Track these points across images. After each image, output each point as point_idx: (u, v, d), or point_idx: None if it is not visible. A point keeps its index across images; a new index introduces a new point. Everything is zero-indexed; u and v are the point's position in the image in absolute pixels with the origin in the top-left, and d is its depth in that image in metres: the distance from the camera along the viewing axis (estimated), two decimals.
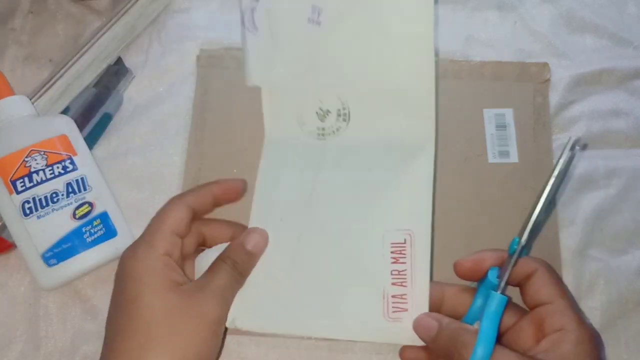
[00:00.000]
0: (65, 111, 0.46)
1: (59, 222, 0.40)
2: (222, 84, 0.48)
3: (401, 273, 0.37)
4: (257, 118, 0.47)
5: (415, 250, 0.37)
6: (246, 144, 0.46)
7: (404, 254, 0.37)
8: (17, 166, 0.40)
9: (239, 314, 0.37)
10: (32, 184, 0.40)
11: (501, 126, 0.46)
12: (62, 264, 0.40)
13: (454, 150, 0.45)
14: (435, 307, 0.37)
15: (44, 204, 0.40)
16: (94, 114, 0.46)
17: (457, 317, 0.35)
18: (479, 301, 0.35)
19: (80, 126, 0.44)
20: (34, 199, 0.40)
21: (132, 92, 0.49)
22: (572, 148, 0.33)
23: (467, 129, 0.46)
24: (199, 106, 0.47)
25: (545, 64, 0.48)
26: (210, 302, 0.34)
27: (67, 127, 0.43)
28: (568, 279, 0.42)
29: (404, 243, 0.37)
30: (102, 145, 0.47)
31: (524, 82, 0.48)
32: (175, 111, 0.48)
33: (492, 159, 0.45)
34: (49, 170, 0.41)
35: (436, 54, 0.40)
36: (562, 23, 0.51)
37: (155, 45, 0.50)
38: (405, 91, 0.40)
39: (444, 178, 0.44)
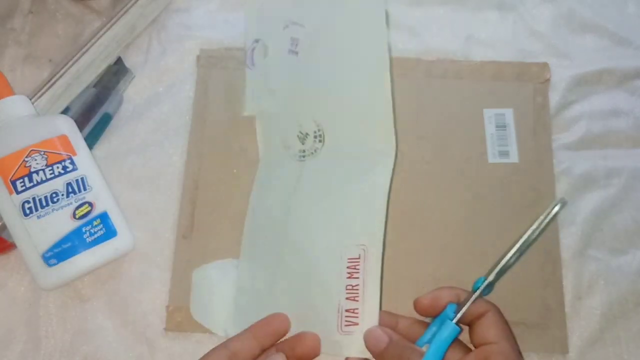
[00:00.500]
0: (65, 111, 0.46)
1: (59, 222, 0.40)
2: (222, 84, 0.48)
3: (354, 288, 0.38)
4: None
5: (367, 265, 0.38)
6: (246, 144, 0.46)
7: (358, 269, 0.38)
8: (17, 166, 0.40)
9: (230, 325, 0.40)
10: (32, 184, 0.40)
11: (501, 126, 0.46)
12: (62, 264, 0.40)
13: (454, 150, 0.45)
14: None
15: (44, 204, 0.40)
16: (94, 114, 0.46)
17: None
18: (433, 329, 0.36)
19: (80, 126, 0.44)
20: (34, 199, 0.40)
21: (132, 92, 0.49)
22: (556, 206, 0.36)
23: (467, 129, 0.46)
24: (199, 106, 0.47)
25: (546, 64, 0.48)
26: None
27: (67, 127, 0.43)
28: (568, 279, 0.42)
29: (358, 258, 0.39)
30: (102, 145, 0.47)
31: (524, 82, 0.48)
32: (175, 111, 0.48)
33: (492, 159, 0.45)
34: (49, 170, 0.41)
35: (392, 61, 0.42)
36: (563, 23, 0.51)
37: (155, 45, 0.50)
38: (366, 107, 0.42)
39: (444, 178, 0.45)
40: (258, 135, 0.45)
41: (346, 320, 0.37)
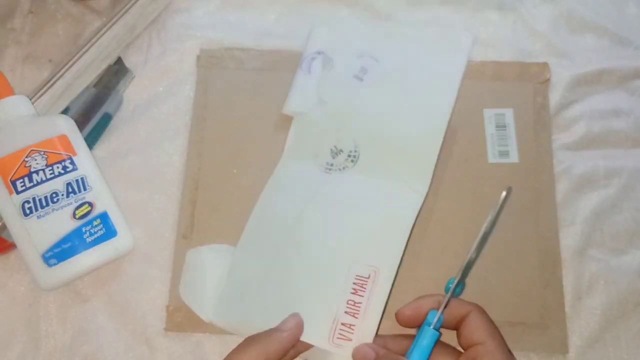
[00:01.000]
0: (65, 111, 0.46)
1: (59, 222, 0.40)
2: (222, 84, 0.48)
3: (356, 304, 0.39)
4: (257, 118, 0.47)
5: (376, 287, 0.39)
6: (246, 144, 0.46)
7: (365, 288, 0.39)
8: (17, 166, 0.40)
9: (212, 312, 0.41)
10: (32, 184, 0.40)
11: (501, 126, 0.46)
12: (62, 264, 0.40)
13: (454, 150, 0.45)
14: None
15: (44, 204, 0.40)
16: (94, 114, 0.46)
17: None
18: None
19: (80, 126, 0.44)
20: (34, 199, 0.40)
21: (132, 92, 0.49)
22: (502, 194, 0.37)
23: (467, 129, 0.46)
24: (199, 106, 0.47)
25: (546, 64, 0.48)
26: None
27: (67, 127, 0.43)
28: (568, 279, 0.42)
29: (367, 278, 0.39)
30: (102, 145, 0.47)
31: (524, 82, 0.48)
32: (175, 111, 0.48)
33: (492, 159, 0.45)
34: (49, 170, 0.41)
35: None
36: (563, 23, 0.51)
37: (155, 45, 0.50)
38: (413, 143, 0.44)
39: (444, 178, 0.45)
40: (290, 135, 0.46)
41: (339, 334, 0.38)
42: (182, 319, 0.42)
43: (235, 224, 0.43)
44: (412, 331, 0.38)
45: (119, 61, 0.48)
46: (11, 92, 0.43)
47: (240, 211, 0.44)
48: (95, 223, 0.41)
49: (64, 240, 0.40)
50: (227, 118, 0.47)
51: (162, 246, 0.44)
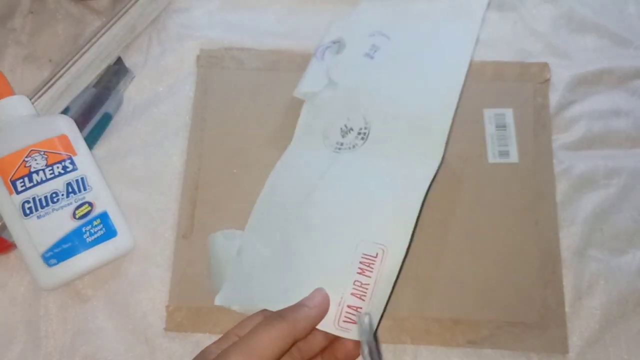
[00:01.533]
0: (65, 111, 0.46)
1: (59, 222, 0.40)
2: (222, 84, 0.48)
3: (363, 285, 0.36)
4: (257, 118, 0.47)
5: (384, 266, 0.36)
6: (246, 144, 0.46)
7: (372, 268, 0.36)
8: (17, 166, 0.40)
9: (224, 296, 0.40)
10: (32, 184, 0.40)
11: (501, 126, 0.46)
12: (62, 264, 0.40)
13: (454, 150, 0.45)
14: None
15: (44, 204, 0.40)
16: (94, 114, 0.46)
17: None
18: None
19: (80, 126, 0.44)
20: (34, 199, 0.40)
21: (132, 92, 0.49)
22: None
23: (467, 129, 0.46)
24: (199, 106, 0.47)
25: (546, 64, 0.48)
26: None
27: (67, 127, 0.43)
28: (568, 279, 0.42)
29: (375, 257, 0.37)
30: (102, 145, 0.47)
31: (524, 82, 0.48)
32: (175, 111, 0.48)
33: (492, 159, 0.45)
34: (49, 170, 0.41)
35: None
36: (563, 23, 0.51)
37: (155, 45, 0.50)
38: (424, 118, 0.42)
39: (444, 178, 0.44)
40: (300, 118, 0.45)
41: (345, 316, 0.36)
42: (182, 319, 0.42)
43: (235, 224, 0.43)
44: None
45: (119, 61, 0.48)
46: (11, 92, 0.43)
47: (240, 211, 0.44)
48: (95, 223, 0.41)
49: (64, 240, 0.40)
50: (227, 118, 0.47)
51: (162, 246, 0.44)
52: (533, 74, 0.48)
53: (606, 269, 0.43)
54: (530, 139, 0.46)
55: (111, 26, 0.48)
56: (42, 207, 0.40)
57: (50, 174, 0.41)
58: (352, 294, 0.36)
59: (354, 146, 0.42)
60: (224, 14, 0.51)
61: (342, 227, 0.39)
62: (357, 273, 0.36)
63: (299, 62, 0.48)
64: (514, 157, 0.45)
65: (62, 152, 0.41)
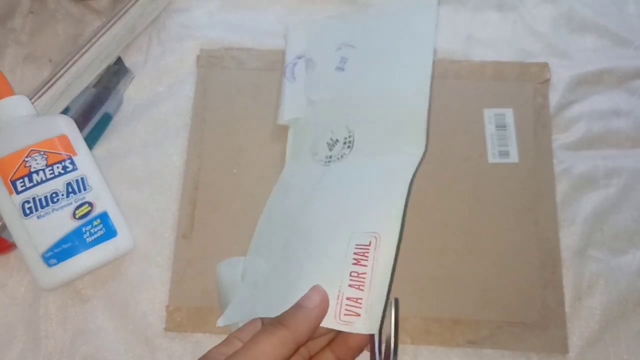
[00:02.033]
0: (65, 111, 0.46)
1: (59, 222, 0.40)
2: (222, 84, 0.48)
3: (360, 275, 0.35)
4: (257, 118, 0.47)
5: (378, 253, 0.35)
6: (246, 144, 0.46)
7: (367, 256, 0.35)
8: (17, 166, 0.40)
9: (227, 317, 0.39)
10: (32, 184, 0.40)
11: (501, 126, 0.46)
12: (62, 264, 0.40)
13: (454, 150, 0.45)
14: None
15: (44, 204, 0.40)
16: (94, 114, 0.46)
17: None
18: None
19: (80, 126, 0.44)
20: (34, 199, 0.40)
21: (132, 92, 0.49)
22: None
23: (467, 129, 0.46)
24: (199, 106, 0.47)
25: (546, 64, 0.48)
26: None
27: (67, 127, 0.43)
28: (568, 279, 0.42)
29: (368, 245, 0.36)
30: (102, 145, 0.47)
31: (524, 82, 0.48)
32: (175, 111, 0.48)
33: (492, 159, 0.45)
34: (49, 170, 0.41)
35: (434, 63, 0.44)
36: (563, 23, 0.51)
37: (155, 45, 0.50)
38: (402, 112, 0.42)
39: (444, 178, 0.45)
40: (288, 142, 0.46)
41: (346, 310, 0.34)
42: (182, 319, 0.42)
43: (235, 224, 0.43)
44: None
45: (119, 61, 0.48)
46: (11, 92, 0.43)
47: (240, 211, 0.44)
48: (95, 223, 0.41)
49: (64, 240, 0.40)
50: (227, 118, 0.47)
51: (162, 246, 0.44)
52: (533, 74, 0.48)
53: (606, 269, 0.43)
54: (530, 139, 0.46)
55: (111, 26, 0.48)
56: (42, 207, 0.40)
57: (50, 174, 0.41)
58: (349, 285, 0.35)
59: (342, 156, 0.43)
60: (224, 14, 0.51)
61: (334, 225, 0.39)
62: (352, 264, 0.36)
63: (282, 72, 0.48)
64: (514, 157, 0.45)
65: (62, 152, 0.41)
